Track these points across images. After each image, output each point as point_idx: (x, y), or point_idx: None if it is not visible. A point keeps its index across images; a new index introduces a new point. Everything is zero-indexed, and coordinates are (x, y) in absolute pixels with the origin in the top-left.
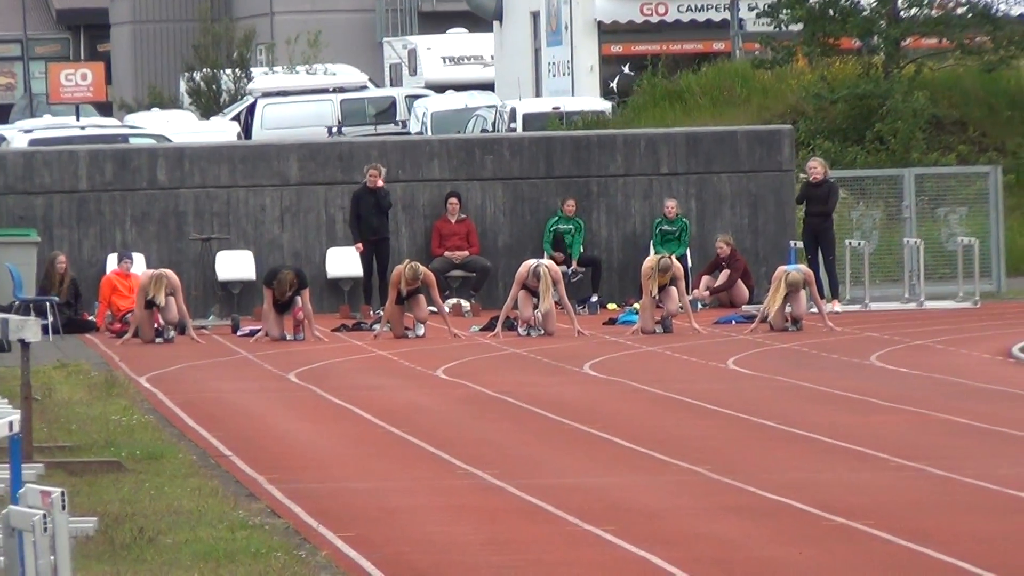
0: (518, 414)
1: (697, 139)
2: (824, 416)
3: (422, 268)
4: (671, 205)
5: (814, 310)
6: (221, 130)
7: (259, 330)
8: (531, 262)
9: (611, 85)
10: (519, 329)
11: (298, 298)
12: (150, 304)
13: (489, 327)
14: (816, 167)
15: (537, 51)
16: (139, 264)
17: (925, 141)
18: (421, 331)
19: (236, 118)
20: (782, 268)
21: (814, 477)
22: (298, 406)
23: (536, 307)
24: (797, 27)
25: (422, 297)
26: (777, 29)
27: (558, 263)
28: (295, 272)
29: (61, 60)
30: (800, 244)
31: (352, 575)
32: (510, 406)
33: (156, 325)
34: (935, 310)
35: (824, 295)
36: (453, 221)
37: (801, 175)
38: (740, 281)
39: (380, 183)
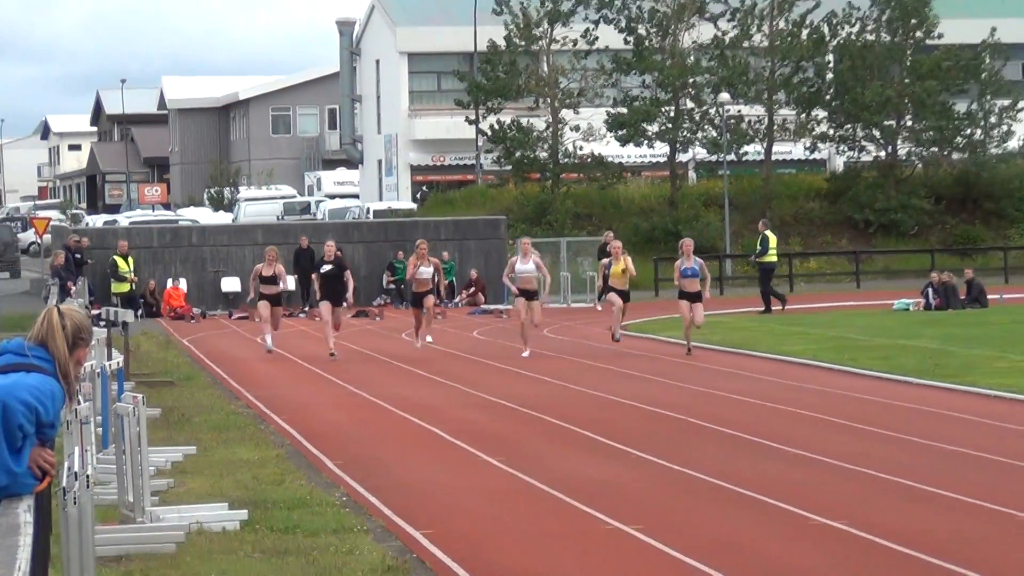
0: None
1: (459, 223)
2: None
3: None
4: (445, 255)
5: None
6: (224, 218)
7: (241, 314)
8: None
9: (417, 196)
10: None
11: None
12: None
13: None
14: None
15: (380, 178)
16: (182, 285)
17: (572, 224)
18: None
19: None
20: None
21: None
22: (263, 353)
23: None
24: (509, 167)
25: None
26: (499, 167)
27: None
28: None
29: (145, 182)
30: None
31: (288, 439)
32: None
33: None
34: (577, 308)
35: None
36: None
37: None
38: (480, 293)
39: (306, 245)
